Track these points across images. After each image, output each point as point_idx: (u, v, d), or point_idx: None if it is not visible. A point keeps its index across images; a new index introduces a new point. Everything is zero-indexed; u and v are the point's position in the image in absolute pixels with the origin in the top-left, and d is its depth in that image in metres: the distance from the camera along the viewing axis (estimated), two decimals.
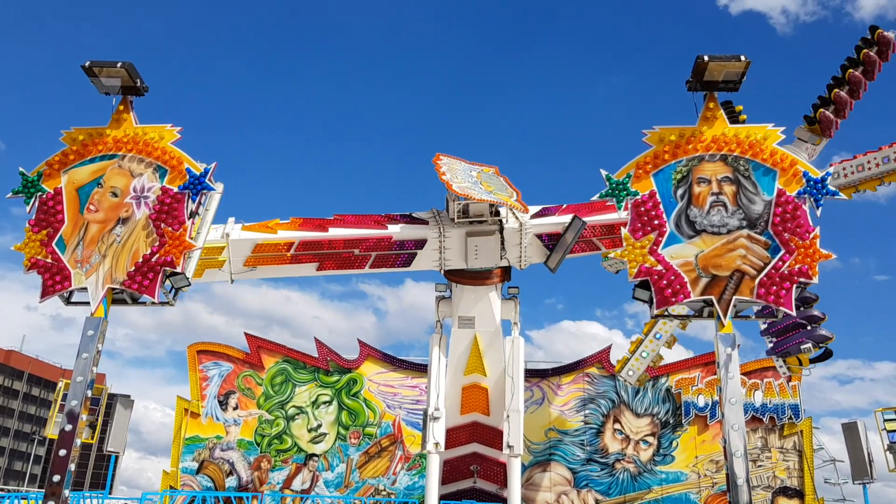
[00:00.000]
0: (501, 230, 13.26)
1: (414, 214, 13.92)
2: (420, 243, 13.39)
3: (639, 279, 9.94)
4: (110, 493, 21.51)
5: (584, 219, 12.92)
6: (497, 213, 13.26)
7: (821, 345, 13.25)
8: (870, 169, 12.72)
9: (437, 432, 14.02)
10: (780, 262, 9.61)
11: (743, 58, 10.01)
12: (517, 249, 13.39)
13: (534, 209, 13.93)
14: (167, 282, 10.68)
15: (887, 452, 18.94)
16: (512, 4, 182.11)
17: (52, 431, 22.63)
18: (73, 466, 9.74)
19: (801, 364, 13.78)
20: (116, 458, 22.42)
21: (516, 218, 13.42)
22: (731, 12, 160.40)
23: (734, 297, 9.59)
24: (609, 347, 21.81)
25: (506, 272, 14.19)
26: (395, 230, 13.40)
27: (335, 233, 13.26)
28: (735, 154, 10.23)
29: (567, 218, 13.01)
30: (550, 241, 13.27)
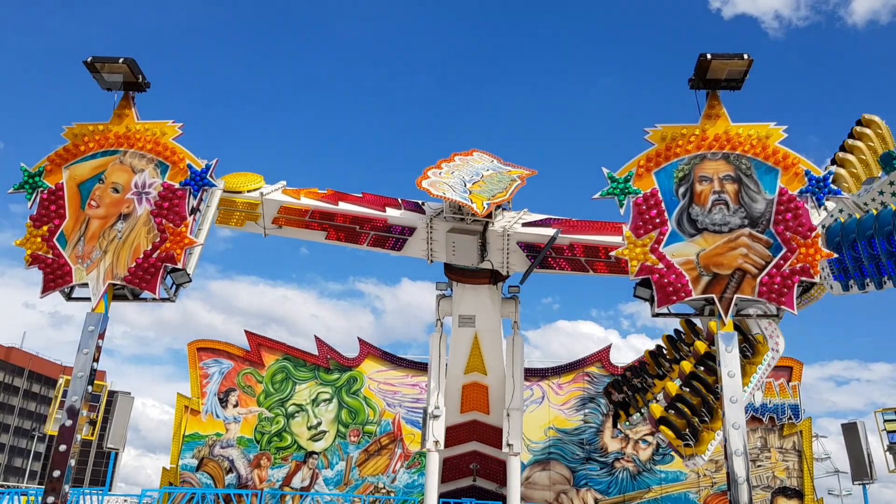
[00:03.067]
0: (484, 232, 13.25)
1: (424, 203, 13.97)
2: (411, 230, 13.58)
3: (640, 277, 9.93)
4: (110, 490, 21.53)
5: (581, 237, 12.81)
6: (488, 216, 13.27)
7: None
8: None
9: (437, 430, 14.01)
10: (782, 261, 9.59)
11: (746, 56, 9.99)
12: (500, 254, 13.38)
13: (535, 217, 13.88)
14: (168, 277, 10.68)
15: (887, 453, 18.96)
16: (504, 5, 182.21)
17: (52, 428, 22.71)
18: (73, 462, 9.74)
19: None
20: (116, 454, 22.47)
21: (502, 223, 13.39)
22: (724, 16, 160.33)
23: (735, 296, 9.57)
24: (609, 347, 21.81)
25: (496, 273, 14.15)
26: (392, 214, 13.66)
27: (343, 207, 13.72)
28: (737, 152, 10.21)
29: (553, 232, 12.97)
30: (531, 251, 13.24)
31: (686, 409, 13.32)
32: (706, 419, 13.24)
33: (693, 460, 13.04)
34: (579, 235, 12.97)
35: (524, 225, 13.49)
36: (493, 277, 14.11)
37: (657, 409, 14.00)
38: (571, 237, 12.90)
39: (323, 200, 13.87)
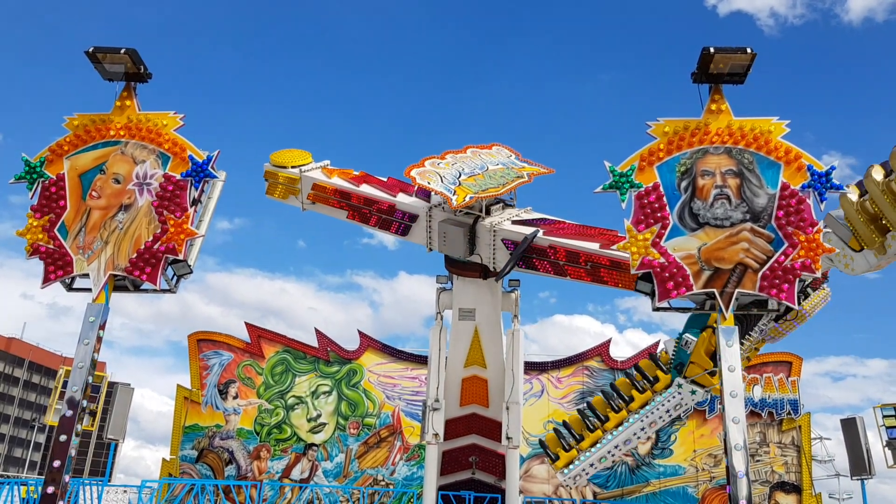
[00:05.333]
0: (473, 225, 13.26)
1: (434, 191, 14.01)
2: (414, 217, 13.70)
3: (641, 271, 9.92)
4: (109, 481, 21.59)
5: (568, 241, 12.69)
6: (481, 210, 13.26)
7: None
8: None
9: (437, 423, 14.04)
10: (783, 256, 9.57)
11: (749, 50, 9.93)
12: (488, 249, 13.36)
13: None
14: (169, 269, 10.68)
15: (885, 448, 19.00)
16: (500, 1, 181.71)
17: (52, 418, 22.76)
18: (73, 453, 9.74)
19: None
20: (116, 445, 22.52)
21: (490, 219, 13.37)
22: (720, 13, 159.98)
23: (736, 291, 9.55)
24: (609, 341, 21.86)
25: (487, 267, 14.12)
26: (401, 200, 13.84)
27: (363, 189, 14.02)
28: (740, 147, 10.18)
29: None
30: (514, 248, 13.19)
31: (564, 432, 13.58)
32: (574, 441, 13.40)
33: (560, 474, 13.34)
34: (576, 241, 12.73)
35: (516, 223, 13.40)
36: (484, 272, 14.11)
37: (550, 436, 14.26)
38: (552, 239, 12.73)
39: (350, 181, 14.20)
